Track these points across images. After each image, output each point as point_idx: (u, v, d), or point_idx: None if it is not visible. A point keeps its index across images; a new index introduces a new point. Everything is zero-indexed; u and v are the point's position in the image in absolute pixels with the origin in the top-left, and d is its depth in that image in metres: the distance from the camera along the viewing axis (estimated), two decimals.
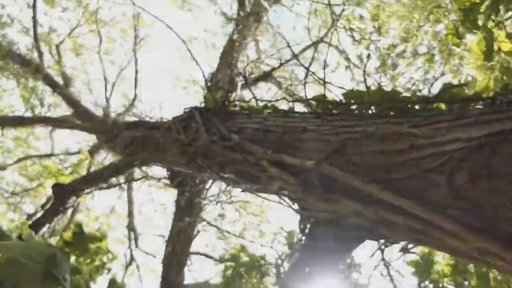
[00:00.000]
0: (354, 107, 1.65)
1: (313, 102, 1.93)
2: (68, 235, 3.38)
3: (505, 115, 0.93)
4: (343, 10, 5.41)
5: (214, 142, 2.18)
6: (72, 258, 3.29)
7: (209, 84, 3.00)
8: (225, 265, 4.01)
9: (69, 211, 4.86)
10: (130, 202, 5.87)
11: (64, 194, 3.91)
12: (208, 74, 3.47)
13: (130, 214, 6.10)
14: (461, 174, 0.89)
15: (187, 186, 3.33)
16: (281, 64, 6.01)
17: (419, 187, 1.06)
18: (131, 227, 6.17)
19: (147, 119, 3.46)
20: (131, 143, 3.22)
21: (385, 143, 1.23)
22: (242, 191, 2.31)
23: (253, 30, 4.93)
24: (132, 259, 6.75)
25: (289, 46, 2.07)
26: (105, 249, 3.52)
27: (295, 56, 3.55)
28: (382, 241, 1.47)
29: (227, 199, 2.67)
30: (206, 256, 5.53)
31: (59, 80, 4.92)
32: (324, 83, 1.55)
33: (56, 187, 3.93)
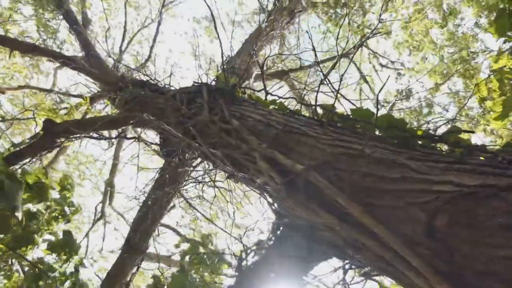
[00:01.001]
0: (359, 125, 1.64)
1: (321, 110, 1.92)
2: (31, 178, 3.29)
3: (502, 171, 0.92)
4: (372, 33, 5.38)
5: (214, 122, 2.17)
6: (32, 205, 3.24)
7: (225, 65, 2.97)
8: (183, 252, 4.01)
9: (54, 151, 4.82)
10: (116, 158, 5.84)
11: (54, 132, 3.85)
12: (227, 55, 3.43)
13: (113, 170, 6.08)
14: (441, 216, 0.89)
15: (175, 158, 3.31)
16: (301, 67, 5.97)
17: (398, 218, 1.06)
18: (109, 183, 6.15)
19: (155, 81, 3.42)
20: (133, 100, 3.19)
21: (378, 167, 1.23)
22: (227, 178, 2.30)
23: (283, 25, 4.88)
24: (102, 215, 6.74)
25: (314, 50, 2.05)
26: (69, 200, 3.49)
27: (317, 62, 3.52)
28: (347, 261, 1.47)
29: (210, 181, 2.66)
30: (175, 231, 5.54)
31: (79, 19, 4.84)
32: (337, 94, 1.53)
33: (48, 123, 3.86)
